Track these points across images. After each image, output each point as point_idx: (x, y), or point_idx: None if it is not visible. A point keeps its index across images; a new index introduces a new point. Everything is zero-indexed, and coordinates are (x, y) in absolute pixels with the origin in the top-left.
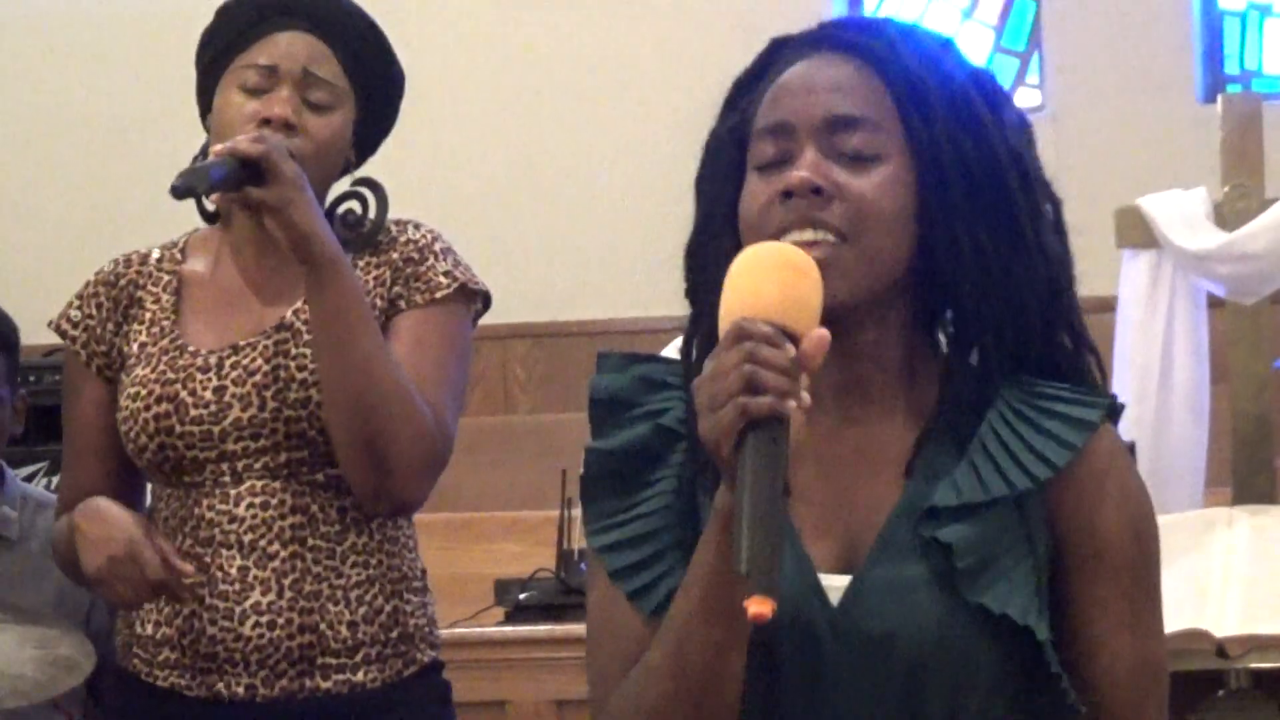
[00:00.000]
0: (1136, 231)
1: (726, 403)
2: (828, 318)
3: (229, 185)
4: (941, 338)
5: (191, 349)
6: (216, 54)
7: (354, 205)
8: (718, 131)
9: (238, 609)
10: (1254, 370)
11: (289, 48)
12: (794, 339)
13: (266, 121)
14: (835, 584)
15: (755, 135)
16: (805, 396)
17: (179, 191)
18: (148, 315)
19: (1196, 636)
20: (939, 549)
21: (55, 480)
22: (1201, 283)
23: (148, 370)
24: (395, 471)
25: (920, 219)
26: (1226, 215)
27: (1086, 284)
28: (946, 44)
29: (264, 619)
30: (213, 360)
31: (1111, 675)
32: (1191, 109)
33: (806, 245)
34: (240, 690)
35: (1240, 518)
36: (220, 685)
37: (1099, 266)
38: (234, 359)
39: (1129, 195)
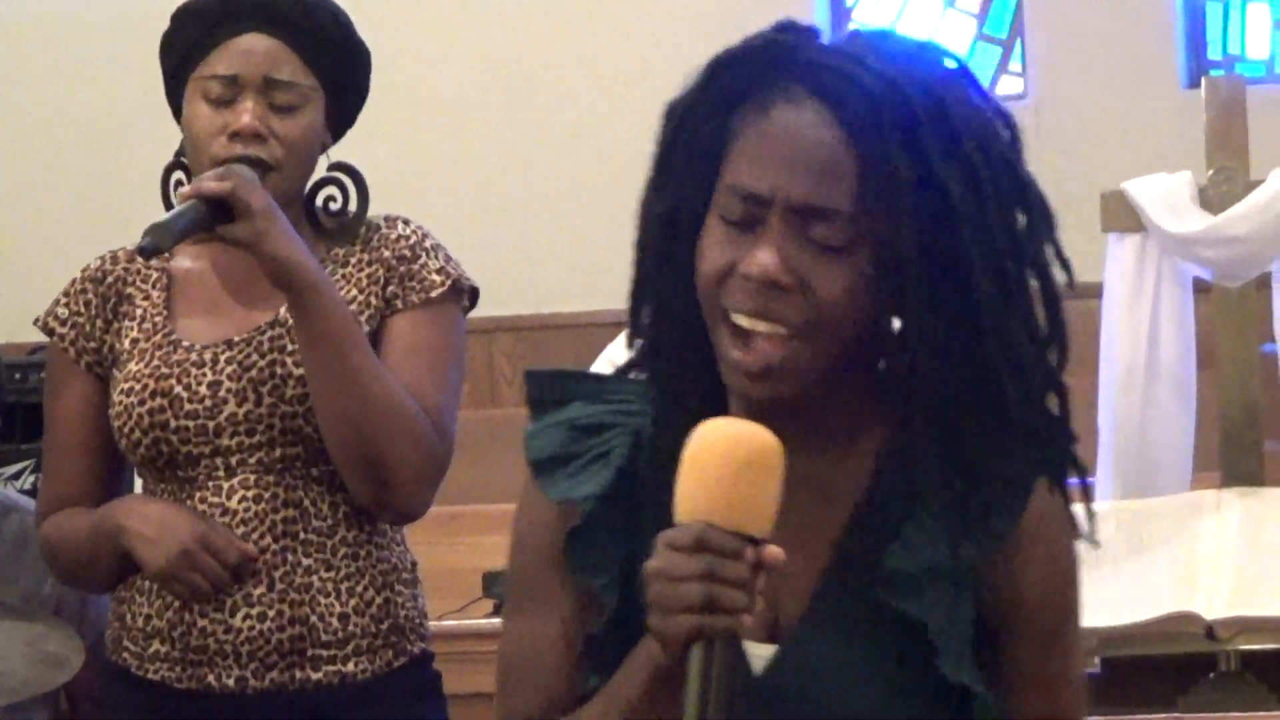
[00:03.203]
0: (1122, 216)
1: (682, 614)
2: (765, 407)
3: (198, 229)
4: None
5: (185, 344)
6: (177, 61)
7: (334, 192)
8: (698, 103)
9: (228, 601)
10: (1241, 354)
11: (248, 54)
12: (756, 543)
13: (236, 134)
14: (761, 652)
15: (728, 186)
16: (759, 603)
17: (146, 252)
18: (138, 311)
19: (1186, 619)
20: (882, 618)
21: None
22: (1187, 266)
23: (141, 365)
24: (396, 485)
25: (875, 304)
26: (1211, 199)
27: (1073, 268)
28: (943, 100)
29: (254, 611)
30: (207, 355)
31: None
32: (1175, 94)
33: (761, 337)
34: (230, 682)
35: (1229, 500)
36: (210, 677)
37: (1085, 251)
38: (229, 354)
39: (1114, 181)
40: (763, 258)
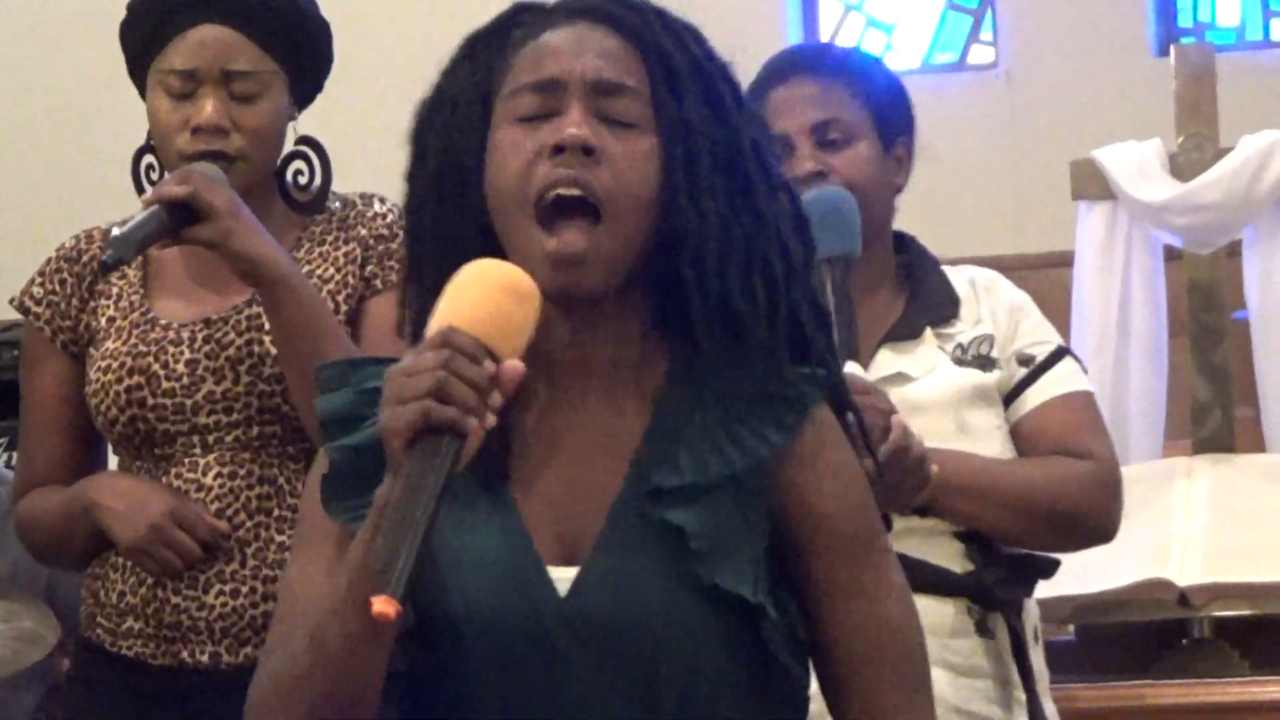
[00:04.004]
0: (1092, 184)
1: (411, 401)
2: (570, 306)
3: (162, 236)
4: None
5: (163, 323)
6: (135, 54)
7: (301, 166)
8: (453, 85)
9: (202, 577)
10: (1212, 321)
11: (203, 47)
12: (497, 361)
13: (198, 129)
14: (564, 575)
15: (513, 91)
16: (490, 418)
17: (107, 267)
18: (115, 290)
19: (1159, 586)
20: (667, 532)
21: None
22: (1158, 234)
23: (118, 343)
24: None
25: (663, 197)
26: (1182, 166)
27: (1044, 238)
28: (696, 32)
29: (228, 587)
30: (184, 334)
31: (847, 643)
32: (1145, 62)
33: (570, 228)
34: (204, 658)
35: (1201, 467)
36: (184, 653)
37: (1056, 220)
38: (206, 333)
39: (1084, 149)
40: (571, 125)
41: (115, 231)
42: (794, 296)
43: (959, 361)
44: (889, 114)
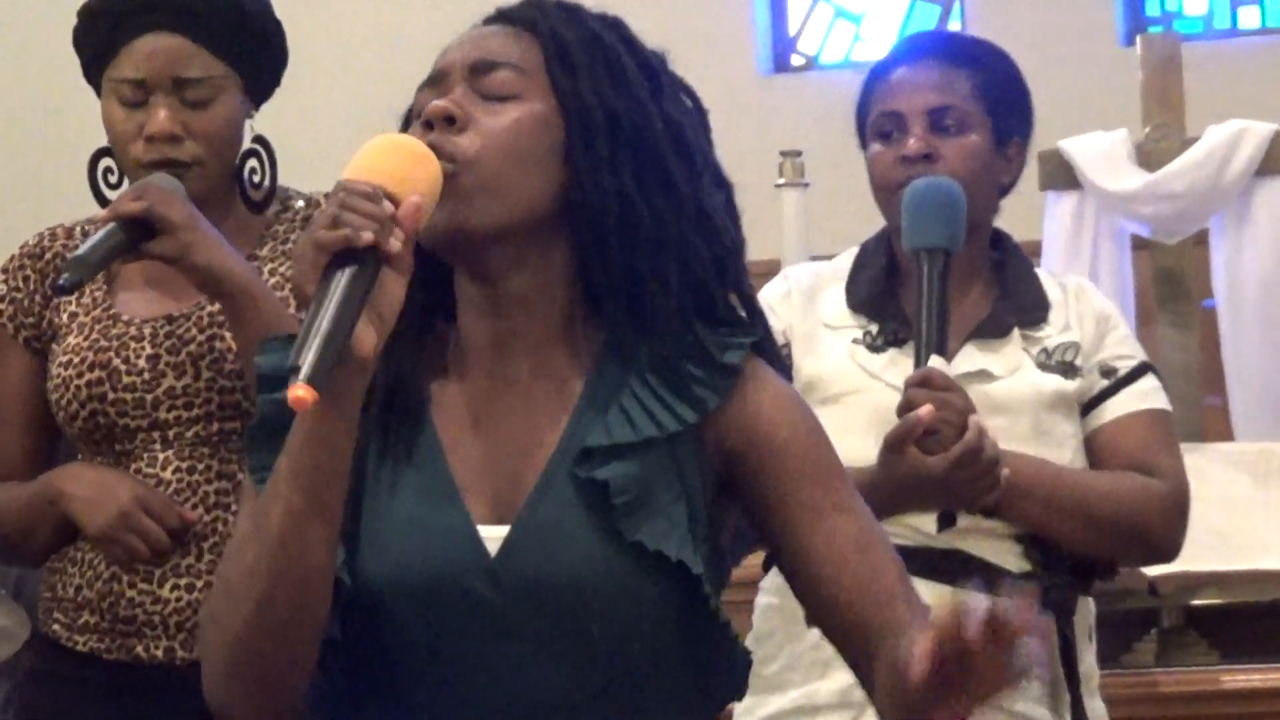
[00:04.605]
0: (1059, 174)
1: (313, 241)
2: (468, 254)
3: (120, 254)
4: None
5: (125, 318)
6: (88, 60)
7: (255, 164)
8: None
9: (157, 572)
10: (1180, 310)
11: (152, 56)
12: (396, 203)
13: (151, 138)
14: (494, 534)
15: (419, 89)
16: (394, 243)
17: (64, 290)
18: None
19: (1129, 575)
20: (596, 490)
21: None
22: (1125, 224)
23: (80, 339)
24: None
25: (567, 165)
26: (1148, 155)
27: (1012, 227)
28: (610, 21)
29: (183, 582)
30: (146, 330)
31: (836, 556)
32: (1112, 51)
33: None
34: (159, 653)
35: None
36: (139, 648)
37: (1023, 210)
38: (168, 329)
39: (1052, 139)
40: (436, 101)
41: (76, 251)
42: (722, 282)
43: (1043, 366)
44: (1008, 111)
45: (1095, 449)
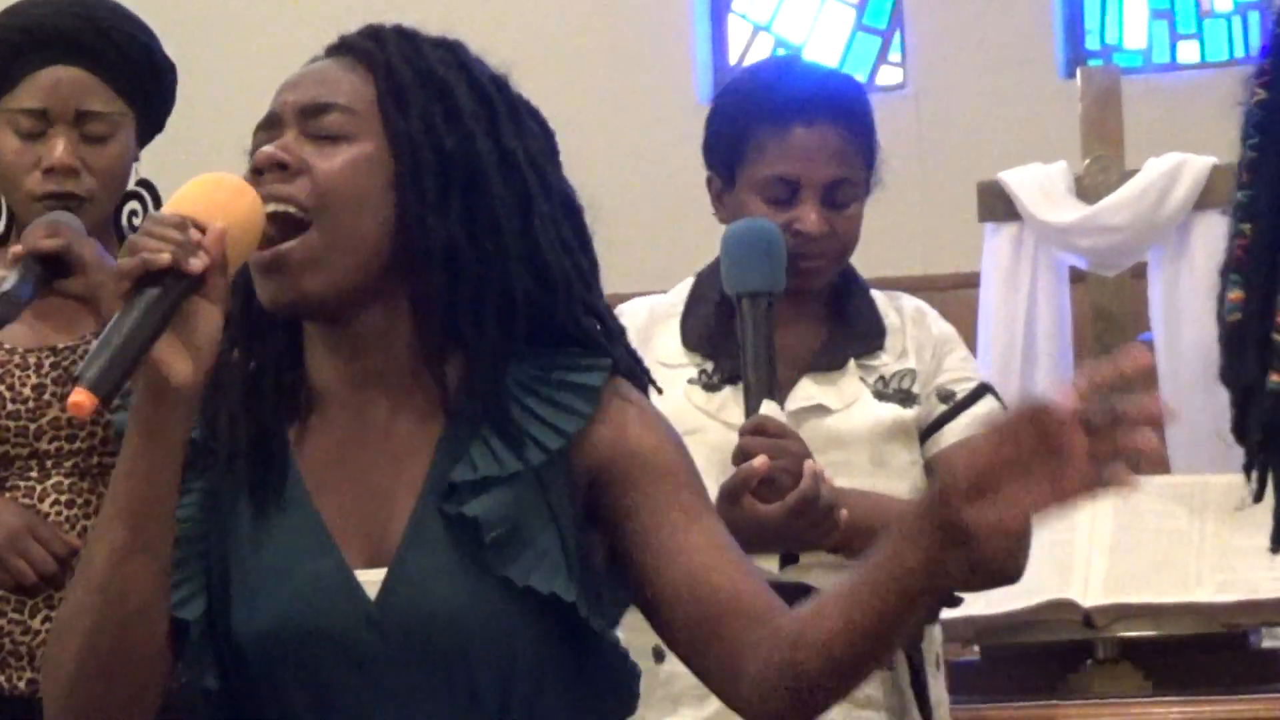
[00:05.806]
0: (998, 205)
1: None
2: (321, 313)
3: (39, 290)
4: None
5: (8, 347)
6: None
7: (136, 206)
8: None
9: (29, 603)
10: (1117, 343)
11: (55, 88)
12: (203, 230)
13: (50, 170)
14: (371, 578)
15: (255, 130)
16: (195, 264)
17: None
18: None
19: (1063, 607)
20: (467, 526)
21: None
22: (1064, 256)
23: None
24: None
25: (398, 204)
26: (1087, 188)
27: (951, 259)
28: (455, 47)
29: (54, 613)
30: (31, 359)
31: (715, 547)
32: (1053, 84)
33: (276, 223)
34: (22, 685)
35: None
36: (2, 679)
37: (962, 241)
38: (54, 359)
39: (991, 171)
40: (265, 148)
41: (3, 288)
42: (568, 308)
43: (880, 395)
44: (874, 165)
45: (934, 476)
